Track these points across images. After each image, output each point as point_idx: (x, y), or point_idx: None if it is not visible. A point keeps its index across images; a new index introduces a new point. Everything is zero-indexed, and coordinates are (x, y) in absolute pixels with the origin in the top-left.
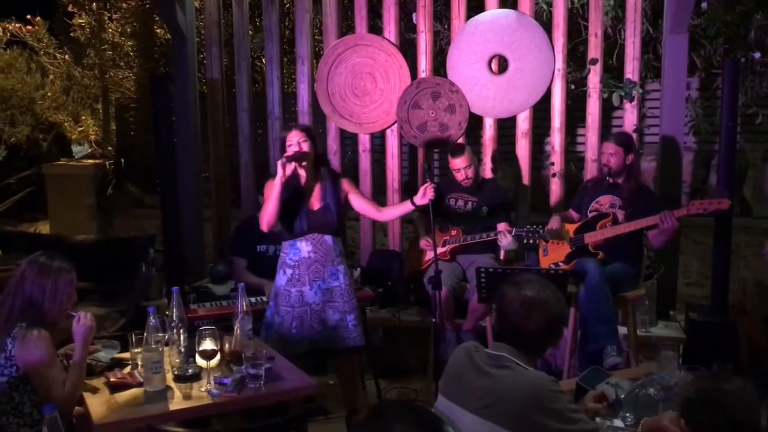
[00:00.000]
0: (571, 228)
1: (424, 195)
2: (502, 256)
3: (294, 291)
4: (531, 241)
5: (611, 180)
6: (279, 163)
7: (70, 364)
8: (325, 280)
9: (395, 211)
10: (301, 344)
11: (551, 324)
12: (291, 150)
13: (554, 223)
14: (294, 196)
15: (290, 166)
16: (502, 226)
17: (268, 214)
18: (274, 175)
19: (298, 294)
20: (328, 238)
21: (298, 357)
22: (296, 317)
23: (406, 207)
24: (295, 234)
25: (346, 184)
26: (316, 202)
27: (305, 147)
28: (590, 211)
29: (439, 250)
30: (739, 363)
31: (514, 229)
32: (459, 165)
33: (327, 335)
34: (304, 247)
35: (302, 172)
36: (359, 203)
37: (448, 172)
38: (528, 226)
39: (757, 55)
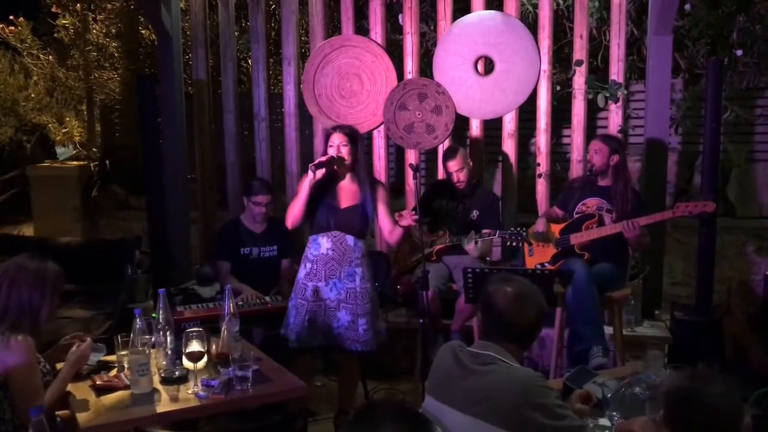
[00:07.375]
0: (556, 228)
1: (404, 218)
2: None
3: (310, 285)
4: (514, 244)
5: (599, 182)
6: (310, 166)
7: (56, 378)
8: (341, 279)
9: (395, 235)
10: (312, 339)
11: (540, 315)
12: (330, 152)
13: (540, 225)
14: (324, 192)
15: (320, 171)
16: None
17: (293, 213)
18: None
19: (313, 289)
20: (349, 238)
21: (305, 351)
22: (309, 311)
23: (398, 230)
24: (318, 229)
25: (381, 192)
26: (345, 202)
27: (344, 151)
28: (576, 213)
29: (426, 251)
30: (725, 362)
31: (498, 232)
32: (452, 168)
33: (336, 335)
34: (324, 243)
35: (337, 172)
36: (381, 217)
37: (435, 173)
38: (512, 229)
39: (740, 52)
